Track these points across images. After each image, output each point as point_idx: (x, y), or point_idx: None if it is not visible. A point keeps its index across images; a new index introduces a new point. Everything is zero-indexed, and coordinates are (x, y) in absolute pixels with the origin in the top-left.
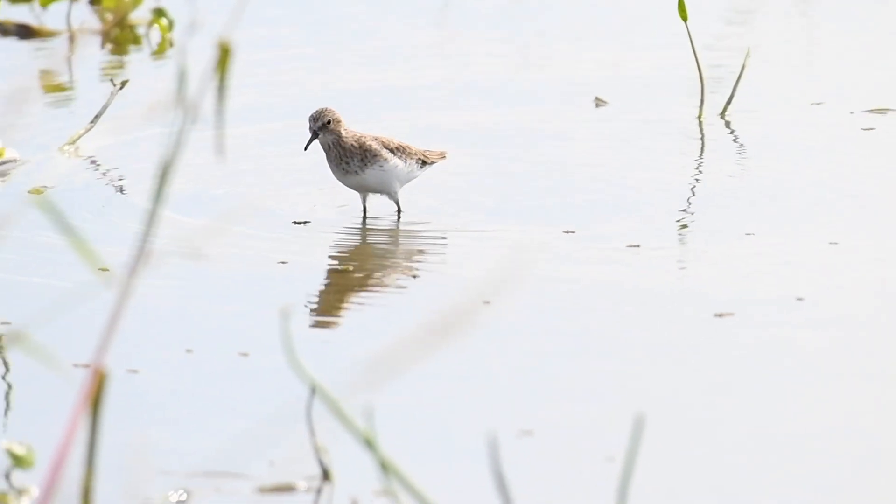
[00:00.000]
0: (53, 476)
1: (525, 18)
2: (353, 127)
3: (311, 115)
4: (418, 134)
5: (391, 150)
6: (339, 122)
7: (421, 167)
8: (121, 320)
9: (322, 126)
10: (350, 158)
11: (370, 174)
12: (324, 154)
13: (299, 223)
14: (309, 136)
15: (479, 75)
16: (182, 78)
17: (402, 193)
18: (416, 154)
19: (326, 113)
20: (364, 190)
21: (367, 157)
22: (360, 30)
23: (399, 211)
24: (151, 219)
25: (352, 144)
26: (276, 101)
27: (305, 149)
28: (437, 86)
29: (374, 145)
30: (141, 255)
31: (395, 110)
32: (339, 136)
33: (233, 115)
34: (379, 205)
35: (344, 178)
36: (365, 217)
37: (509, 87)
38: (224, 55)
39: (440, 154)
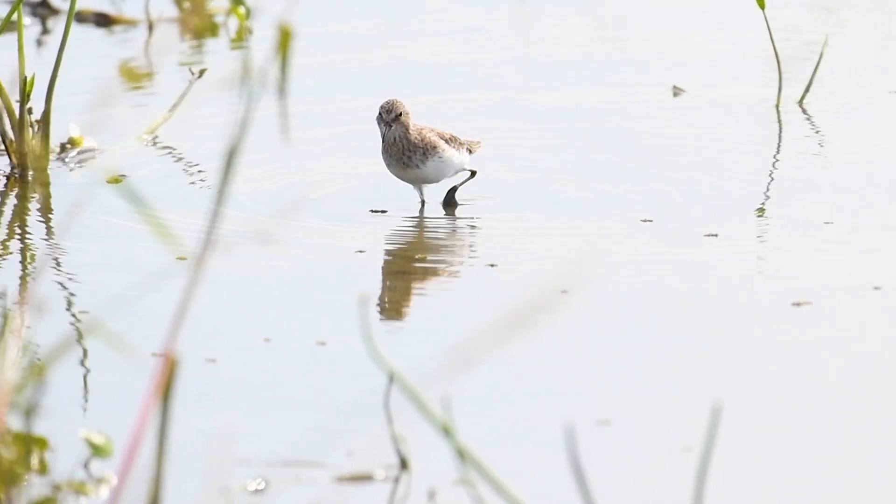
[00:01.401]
0: (127, 465)
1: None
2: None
3: (383, 107)
4: (493, 113)
5: (446, 141)
6: (408, 114)
7: (466, 154)
8: (192, 308)
9: (395, 118)
10: (413, 152)
11: (430, 167)
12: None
13: (376, 212)
14: (380, 127)
15: (553, 54)
16: (247, 60)
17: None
18: (464, 144)
19: (398, 105)
20: (419, 182)
21: (427, 150)
22: (435, 6)
23: (423, 202)
24: (220, 201)
25: (416, 139)
26: (342, 81)
27: (383, 141)
28: (511, 62)
29: (434, 137)
30: (210, 241)
31: (463, 89)
32: (406, 129)
33: (309, 92)
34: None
35: (403, 171)
36: (423, 207)
37: (584, 70)
38: (285, 37)
39: (478, 143)
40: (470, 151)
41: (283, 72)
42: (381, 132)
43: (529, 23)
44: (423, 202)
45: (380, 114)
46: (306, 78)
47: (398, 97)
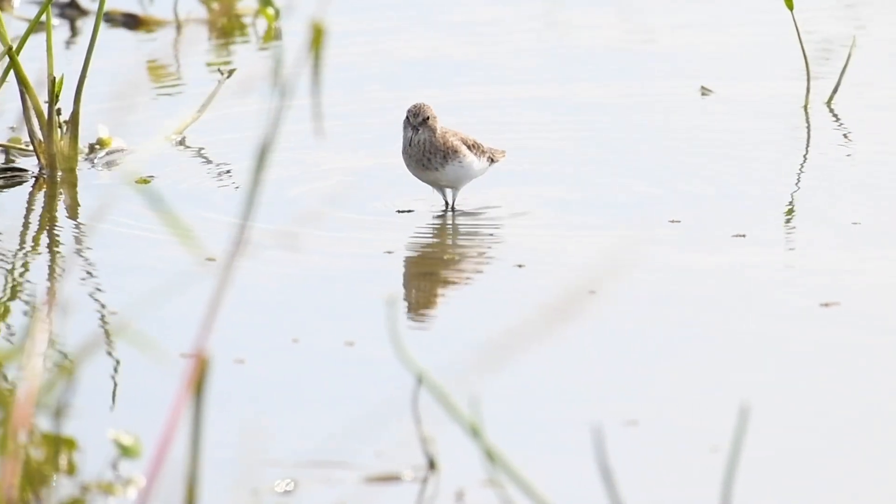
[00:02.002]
0: (157, 465)
1: None
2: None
3: (411, 111)
4: (521, 106)
5: (468, 147)
6: (435, 118)
7: (489, 164)
8: (221, 308)
9: (422, 122)
10: (433, 154)
11: (449, 170)
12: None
13: (403, 212)
14: (406, 131)
15: (579, 49)
16: (278, 59)
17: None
18: (486, 152)
19: (426, 109)
20: (437, 184)
21: (448, 153)
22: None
23: (453, 208)
24: (250, 203)
25: (439, 141)
26: (368, 74)
27: (410, 145)
28: (537, 56)
29: (456, 142)
30: (240, 242)
31: (491, 83)
32: (433, 132)
33: (339, 89)
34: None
35: (422, 173)
36: (447, 208)
37: (611, 66)
38: (317, 36)
39: (502, 152)
40: (492, 161)
41: (316, 70)
42: (407, 135)
43: (557, 17)
44: (446, 204)
45: (407, 117)
46: (335, 72)
47: (425, 100)
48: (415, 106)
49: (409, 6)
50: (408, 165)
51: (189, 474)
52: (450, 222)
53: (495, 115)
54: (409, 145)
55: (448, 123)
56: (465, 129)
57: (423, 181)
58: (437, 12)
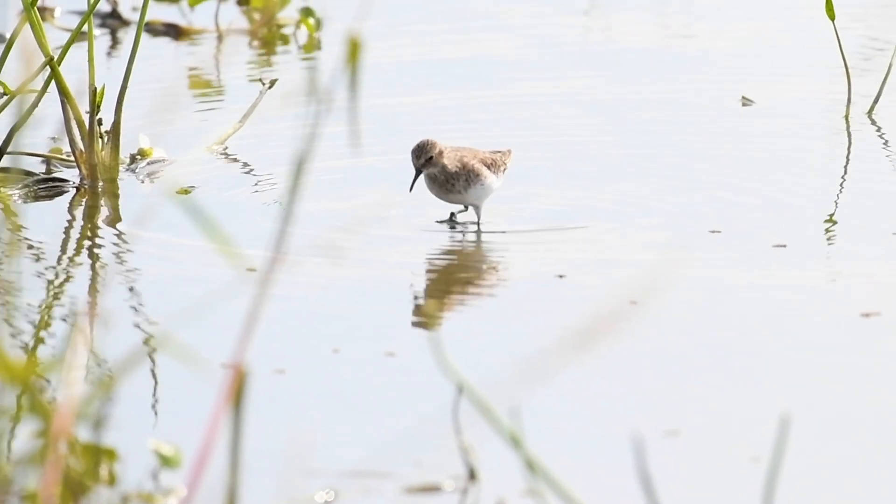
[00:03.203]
0: (197, 475)
1: None
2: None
3: (413, 152)
4: (560, 108)
5: (487, 166)
6: (440, 153)
7: (503, 175)
8: (261, 319)
9: (425, 162)
10: (455, 180)
11: (472, 192)
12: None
13: (443, 222)
14: (413, 172)
15: (624, 47)
16: (315, 71)
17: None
18: (501, 165)
19: (428, 148)
20: (461, 203)
21: (470, 177)
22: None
23: (479, 223)
24: (288, 214)
25: (457, 168)
26: (423, 71)
27: (411, 189)
28: (576, 56)
29: (477, 165)
30: (279, 253)
31: (532, 80)
32: (444, 165)
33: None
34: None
35: (446, 196)
36: (477, 223)
37: (652, 68)
38: (354, 49)
39: (508, 153)
40: (505, 171)
41: (354, 83)
42: (415, 178)
43: (596, 16)
44: (479, 221)
45: (411, 158)
46: (376, 76)
47: (432, 136)
48: (417, 146)
49: (451, 6)
50: (431, 190)
51: (229, 484)
52: (490, 233)
53: (536, 114)
54: (411, 190)
55: (488, 123)
56: (501, 128)
57: (448, 202)
58: (474, 12)
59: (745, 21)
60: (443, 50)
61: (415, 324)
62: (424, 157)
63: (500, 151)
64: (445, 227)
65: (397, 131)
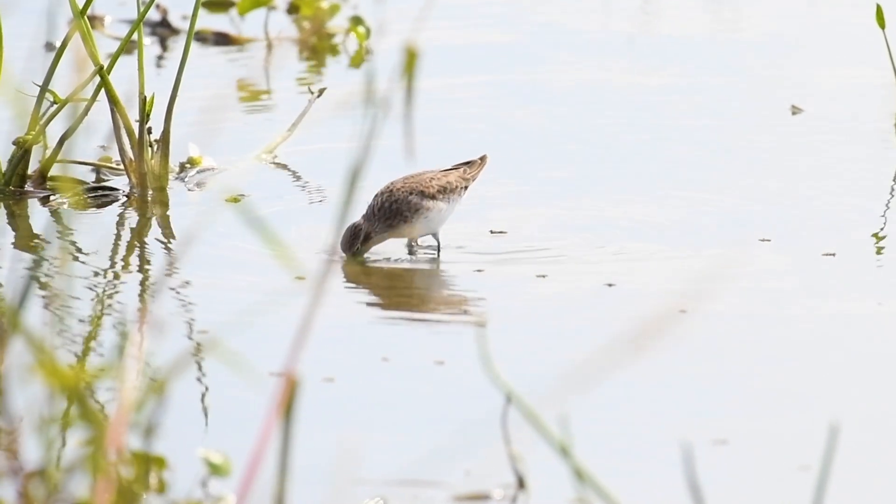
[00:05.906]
0: (247, 485)
1: None
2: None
3: (341, 246)
4: (602, 103)
5: (431, 197)
6: (368, 233)
7: (464, 192)
8: (313, 328)
9: (359, 248)
10: (398, 223)
11: (418, 226)
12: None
13: (496, 232)
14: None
15: (667, 38)
16: (371, 80)
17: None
18: (456, 187)
19: (355, 238)
20: (419, 236)
21: (410, 212)
22: None
23: (439, 248)
24: (342, 221)
25: (393, 216)
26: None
27: (359, 255)
28: (623, 43)
29: (415, 200)
30: (330, 261)
31: (578, 68)
32: (380, 232)
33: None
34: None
35: (397, 235)
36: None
37: (700, 62)
38: (410, 59)
39: (479, 164)
40: (466, 186)
41: (409, 93)
42: (361, 262)
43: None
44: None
45: (343, 252)
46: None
47: (355, 219)
48: (342, 240)
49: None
50: (383, 240)
51: (278, 493)
52: (540, 241)
53: (577, 107)
54: (359, 256)
55: (528, 113)
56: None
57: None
58: (523, 4)
59: (797, 15)
60: (486, 37)
61: (463, 332)
62: (356, 245)
63: (468, 163)
64: (499, 236)
65: (453, 140)
